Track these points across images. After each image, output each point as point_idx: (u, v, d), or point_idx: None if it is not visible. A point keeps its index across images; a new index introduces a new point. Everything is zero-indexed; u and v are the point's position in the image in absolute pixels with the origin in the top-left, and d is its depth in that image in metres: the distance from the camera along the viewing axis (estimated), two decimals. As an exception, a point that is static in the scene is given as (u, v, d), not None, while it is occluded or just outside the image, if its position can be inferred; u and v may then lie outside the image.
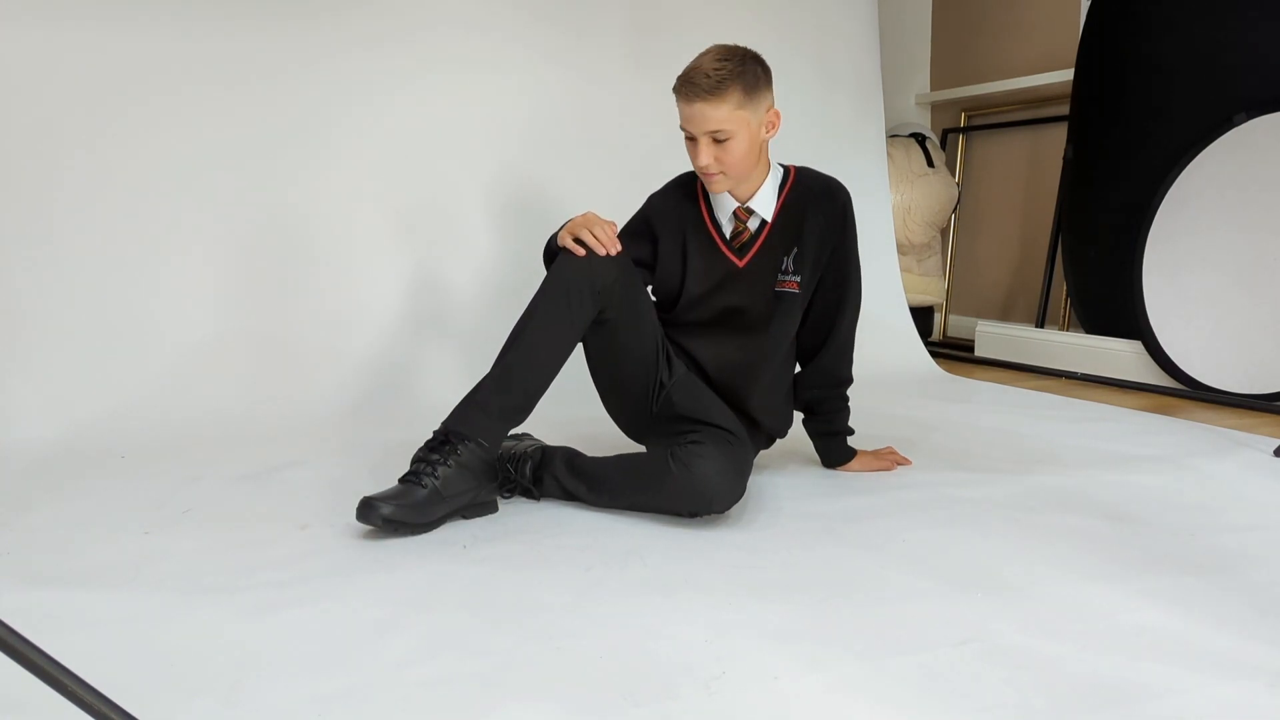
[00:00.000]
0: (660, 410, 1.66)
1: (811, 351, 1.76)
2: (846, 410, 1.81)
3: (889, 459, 1.85)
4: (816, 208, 1.66)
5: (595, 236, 1.52)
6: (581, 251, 1.52)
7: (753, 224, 1.66)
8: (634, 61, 2.91)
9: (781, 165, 1.70)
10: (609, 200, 2.60)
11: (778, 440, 1.83)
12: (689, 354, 1.71)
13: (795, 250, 1.66)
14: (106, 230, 2.27)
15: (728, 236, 1.68)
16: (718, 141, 1.53)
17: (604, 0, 2.88)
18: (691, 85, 1.51)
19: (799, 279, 1.66)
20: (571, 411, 2.11)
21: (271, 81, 2.46)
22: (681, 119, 1.55)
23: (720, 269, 1.68)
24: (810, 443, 1.88)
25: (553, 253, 1.62)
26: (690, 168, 1.76)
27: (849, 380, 1.79)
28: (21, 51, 2.21)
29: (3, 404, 2.08)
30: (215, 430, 2.14)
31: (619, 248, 1.54)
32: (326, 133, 2.52)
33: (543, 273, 1.71)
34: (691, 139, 1.55)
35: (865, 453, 1.85)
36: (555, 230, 1.62)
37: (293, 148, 2.48)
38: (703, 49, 1.57)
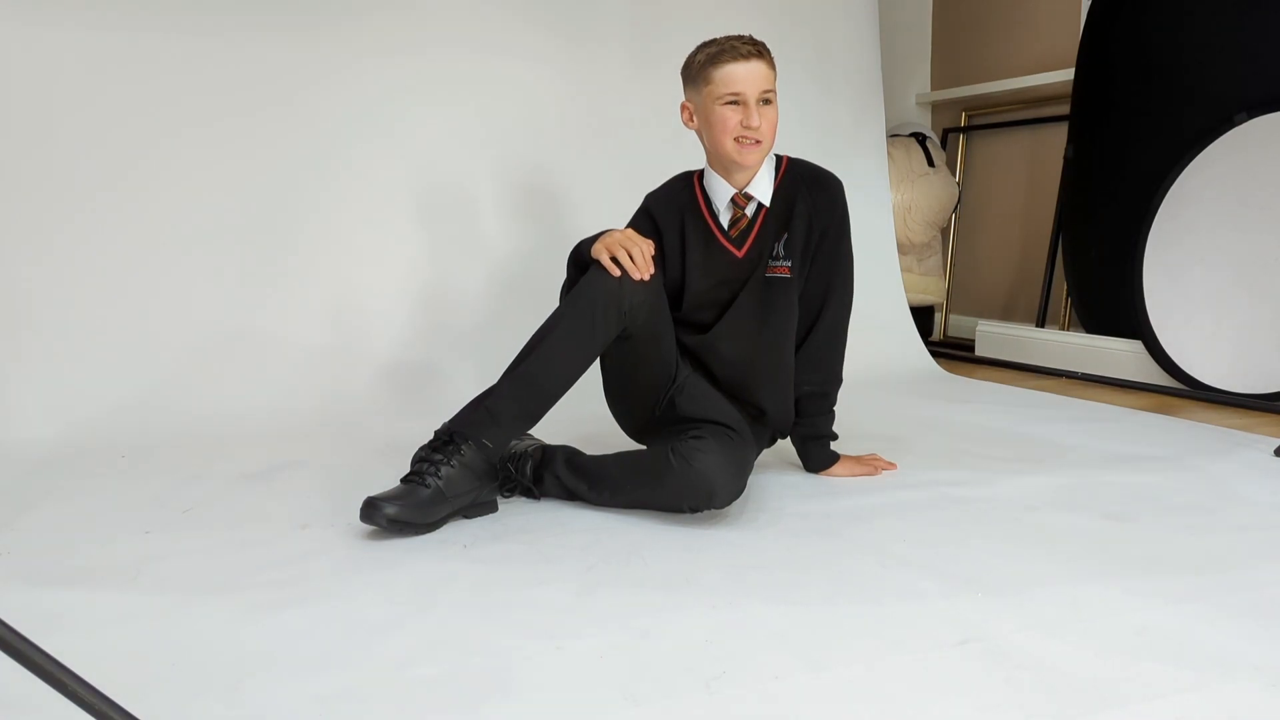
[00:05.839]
0: (663, 414, 1.67)
1: (799, 341, 1.74)
2: (831, 415, 1.79)
3: (873, 464, 1.83)
4: (807, 193, 1.67)
5: (632, 259, 1.51)
6: (616, 271, 1.50)
7: (750, 210, 1.67)
8: (636, 63, 2.91)
9: (775, 154, 1.70)
10: (614, 199, 2.60)
11: (779, 441, 1.83)
12: (696, 354, 1.71)
13: (785, 236, 1.66)
14: (107, 229, 2.27)
15: (725, 226, 1.68)
16: (764, 103, 1.57)
17: (605, 3, 2.89)
18: (741, 46, 1.56)
19: (789, 264, 1.66)
20: (572, 410, 2.10)
21: (278, 84, 2.46)
22: (728, 85, 1.55)
23: (720, 260, 1.67)
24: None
25: (582, 260, 1.59)
26: (688, 167, 1.77)
27: (837, 380, 1.77)
28: (23, 51, 2.21)
29: (3, 404, 2.09)
30: (215, 430, 2.14)
31: (653, 271, 1.53)
32: (333, 135, 2.52)
33: (558, 272, 1.70)
34: (734, 104, 1.56)
35: (849, 457, 1.83)
36: (588, 236, 1.59)
37: (297, 148, 2.48)
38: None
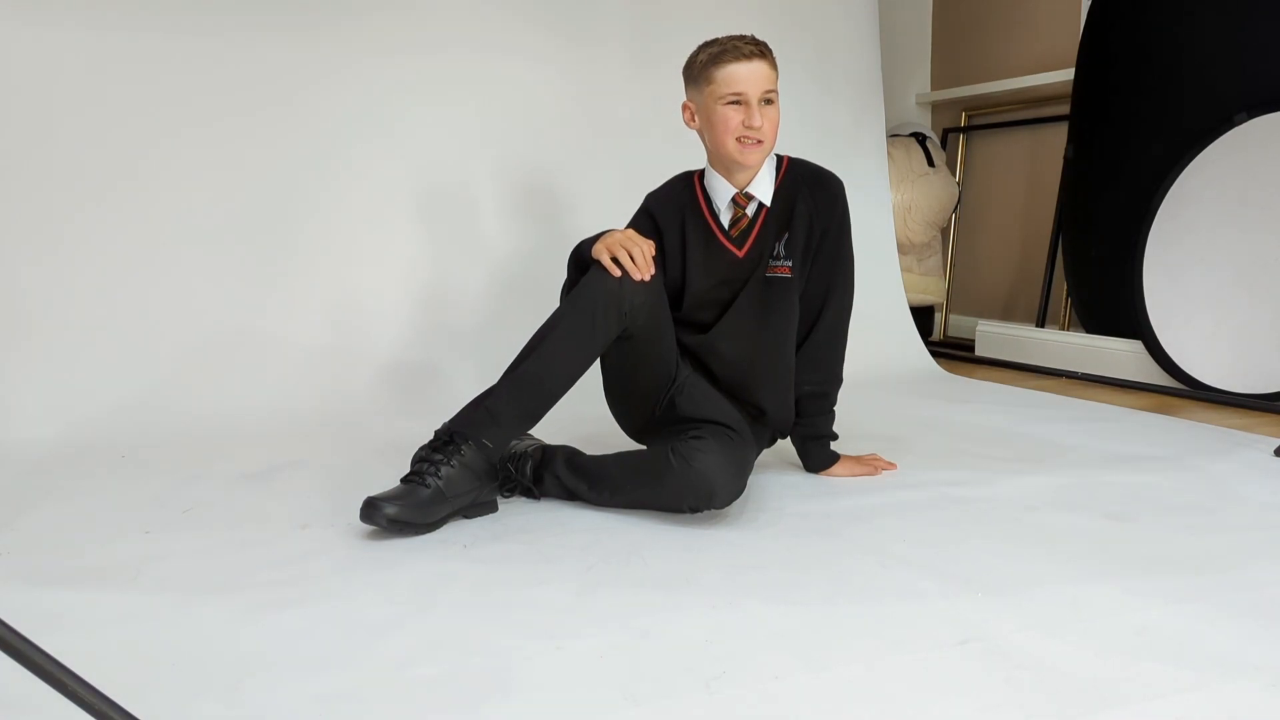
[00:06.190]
0: (663, 414, 1.67)
1: (799, 341, 1.74)
2: (831, 415, 1.79)
3: (873, 464, 1.83)
4: (808, 193, 1.67)
5: (633, 259, 1.50)
6: (617, 271, 1.50)
7: (750, 209, 1.67)
8: (636, 63, 2.91)
9: (776, 154, 1.70)
10: (614, 199, 2.60)
11: (779, 441, 1.83)
12: (696, 354, 1.71)
13: (786, 235, 1.66)
14: (107, 229, 2.27)
15: (726, 226, 1.68)
16: (766, 103, 1.57)
17: (605, 3, 2.89)
18: (744, 46, 1.56)
19: (790, 264, 1.66)
20: (572, 410, 2.10)
21: (278, 84, 2.46)
22: (730, 84, 1.56)
23: (721, 260, 1.67)
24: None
25: (582, 259, 1.59)
26: (688, 167, 1.77)
27: (837, 380, 1.77)
28: (23, 51, 2.21)
29: (3, 404, 2.08)
30: (215, 430, 2.14)
31: (654, 271, 1.53)
32: (333, 135, 2.52)
33: (558, 272, 1.70)
34: (736, 103, 1.56)
35: (849, 457, 1.83)
36: (588, 236, 1.59)
37: (297, 148, 2.48)
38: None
